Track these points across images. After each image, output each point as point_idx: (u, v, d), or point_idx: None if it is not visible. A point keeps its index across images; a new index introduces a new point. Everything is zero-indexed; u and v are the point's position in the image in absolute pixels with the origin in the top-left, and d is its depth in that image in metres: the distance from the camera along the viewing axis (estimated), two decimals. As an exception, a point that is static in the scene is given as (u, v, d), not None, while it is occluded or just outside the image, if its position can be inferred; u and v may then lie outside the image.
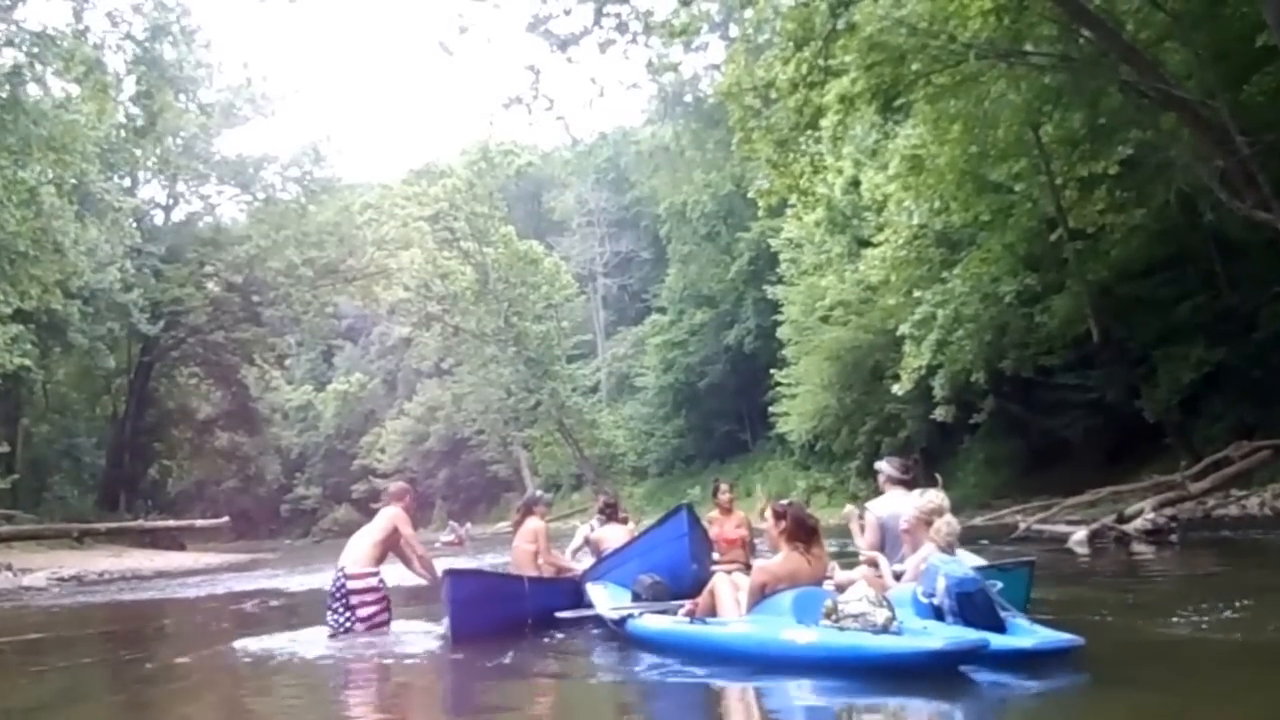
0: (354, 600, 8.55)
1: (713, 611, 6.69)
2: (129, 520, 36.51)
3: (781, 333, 37.53)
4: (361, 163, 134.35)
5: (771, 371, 38.58)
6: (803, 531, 6.29)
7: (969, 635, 5.01)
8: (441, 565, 8.96)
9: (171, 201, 47.25)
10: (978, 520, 20.59)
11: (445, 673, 7.37)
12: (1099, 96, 18.18)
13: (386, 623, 8.75)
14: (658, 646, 6.69)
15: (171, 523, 35.33)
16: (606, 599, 7.92)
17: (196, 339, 45.53)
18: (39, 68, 24.37)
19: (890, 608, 5.21)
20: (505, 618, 8.07)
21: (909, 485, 7.59)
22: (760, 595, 6.15)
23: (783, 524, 6.38)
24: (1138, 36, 16.05)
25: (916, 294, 24.06)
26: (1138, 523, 13.84)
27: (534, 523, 9.74)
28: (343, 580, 8.64)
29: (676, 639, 6.58)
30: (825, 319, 32.30)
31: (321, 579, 18.09)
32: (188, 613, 14.16)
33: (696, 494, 45.83)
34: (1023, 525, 16.57)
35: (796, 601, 5.72)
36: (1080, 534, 13.83)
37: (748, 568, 8.19)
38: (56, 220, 25.46)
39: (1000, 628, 5.26)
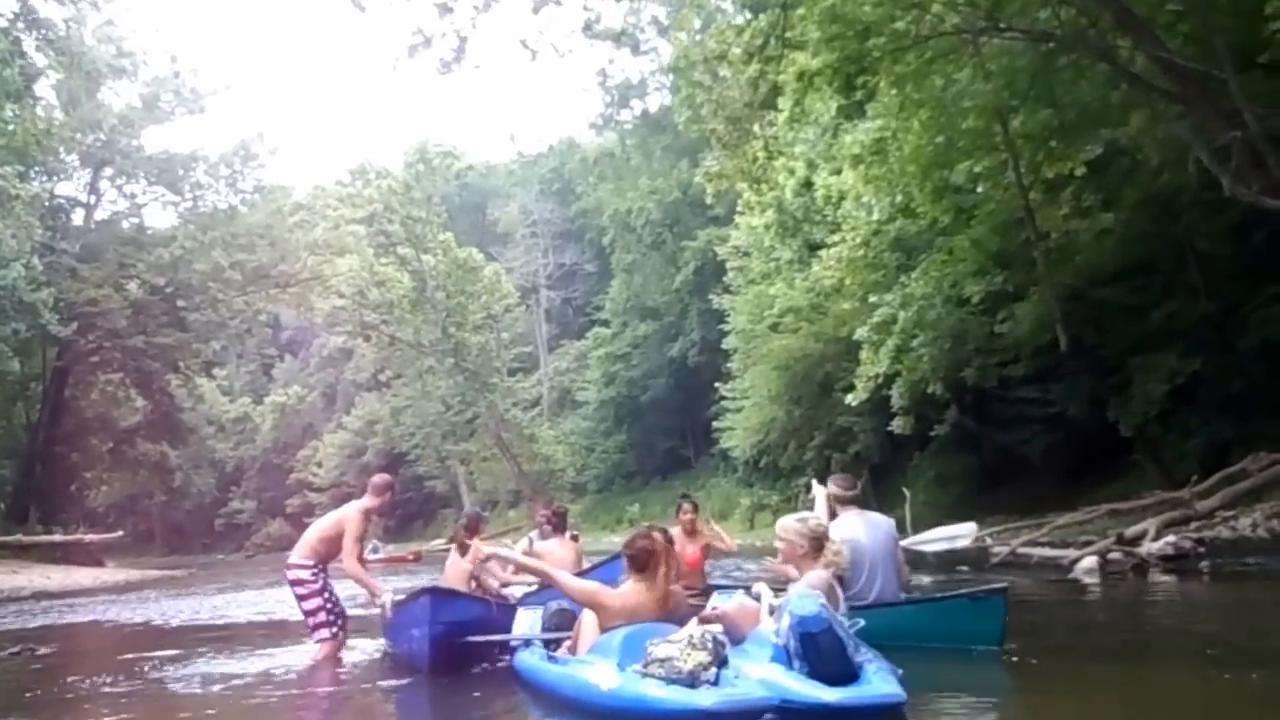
0: (295, 593, 7.97)
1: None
2: (39, 534, 34.41)
3: (727, 343, 36.34)
4: (296, 166, 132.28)
5: (716, 386, 37.42)
6: (650, 561, 5.62)
7: (754, 694, 4.51)
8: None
9: (93, 199, 45.06)
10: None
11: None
12: (1078, 79, 16.89)
13: (327, 627, 7.83)
14: (523, 682, 6.25)
15: (57, 538, 33.41)
16: (523, 624, 7.22)
17: (115, 343, 43.19)
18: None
19: (715, 652, 4.67)
20: (482, 644, 7.20)
21: (860, 502, 7.19)
22: (599, 630, 5.60)
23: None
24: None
25: (872, 299, 22.70)
26: (1155, 547, 12.09)
27: (477, 543, 8.72)
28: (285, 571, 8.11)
29: (530, 675, 6.14)
30: (774, 327, 30.97)
31: (209, 605, 16.65)
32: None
33: (636, 511, 44.88)
34: (997, 549, 14.93)
35: (627, 640, 5.17)
36: (1089, 560, 12.10)
37: (705, 593, 8.03)
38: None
39: (851, 674, 4.63)
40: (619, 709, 4.69)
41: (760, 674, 4.83)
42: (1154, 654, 6.53)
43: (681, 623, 5.28)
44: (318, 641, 7.76)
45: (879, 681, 4.60)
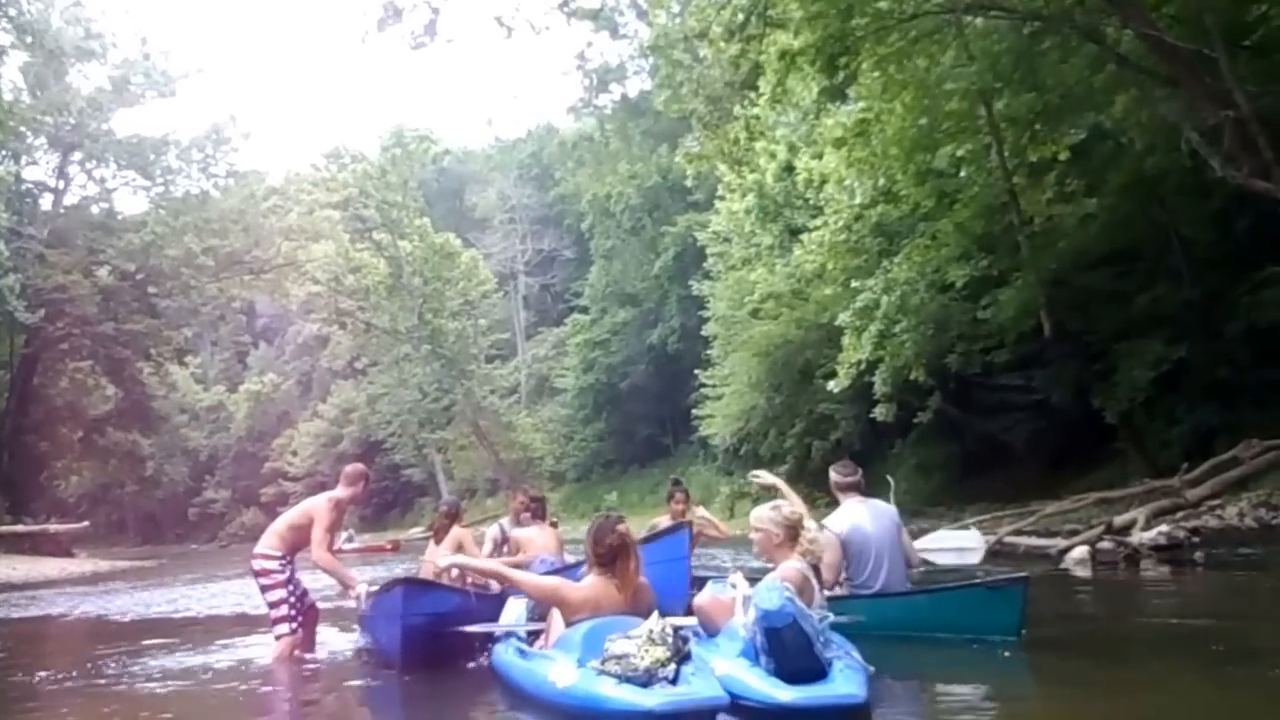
0: (259, 584, 7.54)
1: None
2: (6, 525, 33.90)
3: (707, 329, 36.07)
4: (270, 151, 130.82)
5: (696, 372, 37.10)
6: (617, 555, 5.39)
7: (703, 693, 4.26)
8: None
9: (62, 184, 44.37)
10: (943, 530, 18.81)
11: None
12: (1063, 60, 16.62)
13: (287, 622, 7.38)
14: (497, 677, 5.97)
15: (21, 528, 32.79)
16: (511, 614, 6.84)
17: (84, 330, 42.54)
18: None
19: (675, 647, 4.50)
20: (459, 638, 6.69)
21: (861, 489, 7.03)
22: (565, 624, 5.39)
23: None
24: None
25: (855, 284, 22.45)
26: (1147, 537, 11.77)
27: (457, 530, 8.92)
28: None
29: (501, 670, 5.92)
30: (755, 313, 30.71)
31: (177, 597, 16.19)
32: None
33: (614, 499, 44.60)
34: (984, 538, 14.66)
35: (588, 635, 4.94)
36: (1079, 550, 11.79)
37: (695, 583, 7.44)
38: None
39: (818, 672, 4.46)
40: (572, 707, 4.57)
41: (724, 670, 4.69)
42: (1159, 649, 6.22)
43: (646, 615, 4.99)
44: (277, 637, 7.39)
45: (841, 681, 4.42)
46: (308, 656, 7.50)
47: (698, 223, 39.57)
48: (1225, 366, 18.01)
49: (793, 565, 5.26)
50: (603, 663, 4.52)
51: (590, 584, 5.40)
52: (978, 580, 6.70)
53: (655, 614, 4.88)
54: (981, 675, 5.60)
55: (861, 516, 6.74)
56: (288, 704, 6.28)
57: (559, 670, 4.80)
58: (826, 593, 6.58)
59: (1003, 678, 5.56)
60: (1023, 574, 6.47)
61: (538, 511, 9.64)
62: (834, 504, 7.07)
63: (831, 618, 5.03)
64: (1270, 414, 16.28)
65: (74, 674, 7.28)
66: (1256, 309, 16.93)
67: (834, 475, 7.13)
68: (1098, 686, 5.05)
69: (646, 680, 4.33)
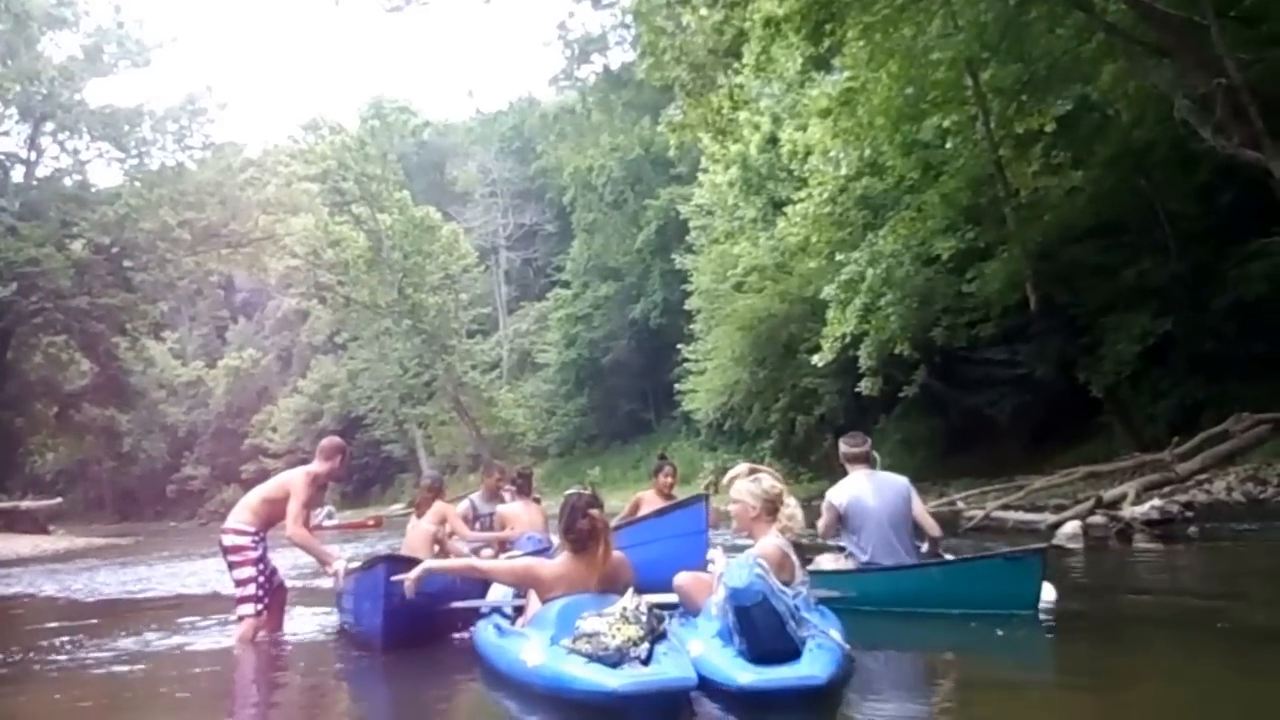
0: (228, 560, 7.20)
1: None
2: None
3: (690, 304, 35.94)
4: (247, 122, 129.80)
5: (678, 347, 36.95)
6: (590, 539, 5.21)
7: (670, 674, 4.15)
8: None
9: (34, 155, 43.86)
10: (928, 506, 18.69)
11: None
12: (1050, 30, 16.40)
13: (254, 602, 7.05)
14: (477, 654, 5.77)
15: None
16: (499, 590, 6.69)
17: (58, 304, 42.03)
18: None
19: (648, 626, 4.41)
20: (442, 617, 6.64)
21: (870, 461, 6.91)
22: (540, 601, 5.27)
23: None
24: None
25: (839, 257, 22.26)
26: (1139, 511, 11.56)
27: (440, 505, 8.74)
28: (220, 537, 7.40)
29: (480, 649, 5.72)
30: (738, 287, 30.49)
31: (151, 575, 15.90)
32: None
33: (597, 474, 44.48)
34: (971, 512, 14.48)
35: (562, 613, 4.86)
36: (1071, 525, 11.55)
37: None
38: None
39: (790, 652, 4.29)
40: (542, 686, 4.49)
41: (699, 650, 4.59)
42: (1164, 628, 5.95)
43: (622, 592, 4.85)
44: (240, 616, 7.06)
45: (808, 662, 4.25)
46: (275, 637, 7.24)
47: (680, 196, 39.41)
48: (1211, 340, 17.88)
49: (771, 542, 5.07)
50: (574, 641, 4.41)
51: (563, 561, 5.27)
52: (995, 552, 6.51)
53: (631, 591, 4.75)
54: (979, 655, 5.43)
55: (864, 489, 6.60)
56: (254, 688, 6.04)
57: (530, 649, 4.71)
58: (835, 567, 6.44)
59: (1003, 657, 5.39)
60: (1040, 545, 6.44)
61: (524, 488, 9.55)
62: (818, 478, 6.92)
63: (805, 594, 4.90)
64: (1257, 387, 16.20)
65: (33, 656, 7.04)
66: (1243, 282, 16.78)
67: (843, 446, 7.02)
68: (1106, 667, 4.84)
69: (618, 659, 4.22)
